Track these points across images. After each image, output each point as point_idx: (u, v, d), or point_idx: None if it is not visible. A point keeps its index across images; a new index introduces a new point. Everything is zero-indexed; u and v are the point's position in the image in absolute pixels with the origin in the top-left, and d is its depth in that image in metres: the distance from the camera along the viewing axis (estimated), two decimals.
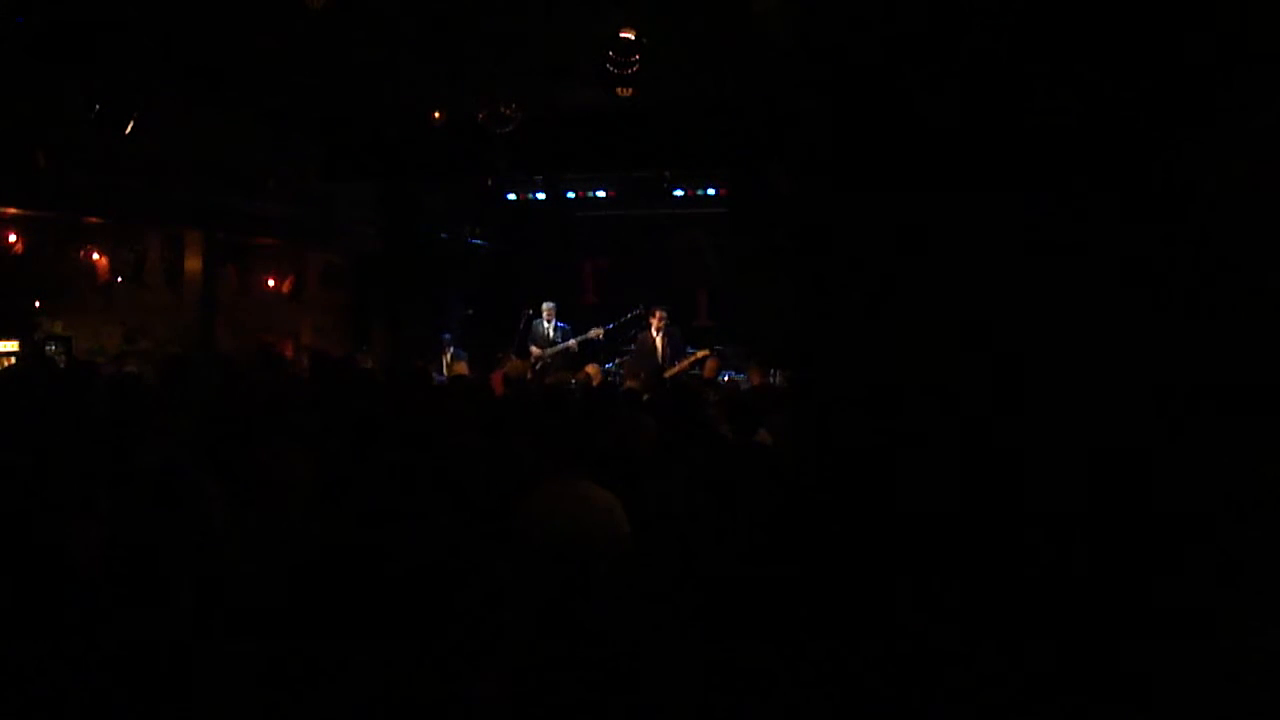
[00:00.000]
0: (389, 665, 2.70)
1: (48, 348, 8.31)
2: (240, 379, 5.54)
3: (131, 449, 3.43)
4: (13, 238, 8.41)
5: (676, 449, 4.00)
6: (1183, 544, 1.29)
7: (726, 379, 8.49)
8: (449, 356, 10.04)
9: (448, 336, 10.48)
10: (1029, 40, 1.37)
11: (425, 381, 6.10)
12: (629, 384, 6.95)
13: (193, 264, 9.93)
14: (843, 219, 1.50)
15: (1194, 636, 1.28)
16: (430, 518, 3.29)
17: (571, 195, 11.96)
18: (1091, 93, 1.34)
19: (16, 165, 7.50)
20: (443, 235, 11.88)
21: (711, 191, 11.32)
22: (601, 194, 11.73)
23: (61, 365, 7.16)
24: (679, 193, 11.22)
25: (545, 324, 10.28)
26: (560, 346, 10.09)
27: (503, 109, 7.42)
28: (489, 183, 11.72)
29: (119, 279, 9.47)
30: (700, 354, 8.81)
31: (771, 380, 6.94)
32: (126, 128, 7.10)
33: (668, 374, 8.24)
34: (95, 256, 9.31)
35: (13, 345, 8.07)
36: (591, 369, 7.94)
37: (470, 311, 12.35)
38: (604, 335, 10.21)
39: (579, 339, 10.14)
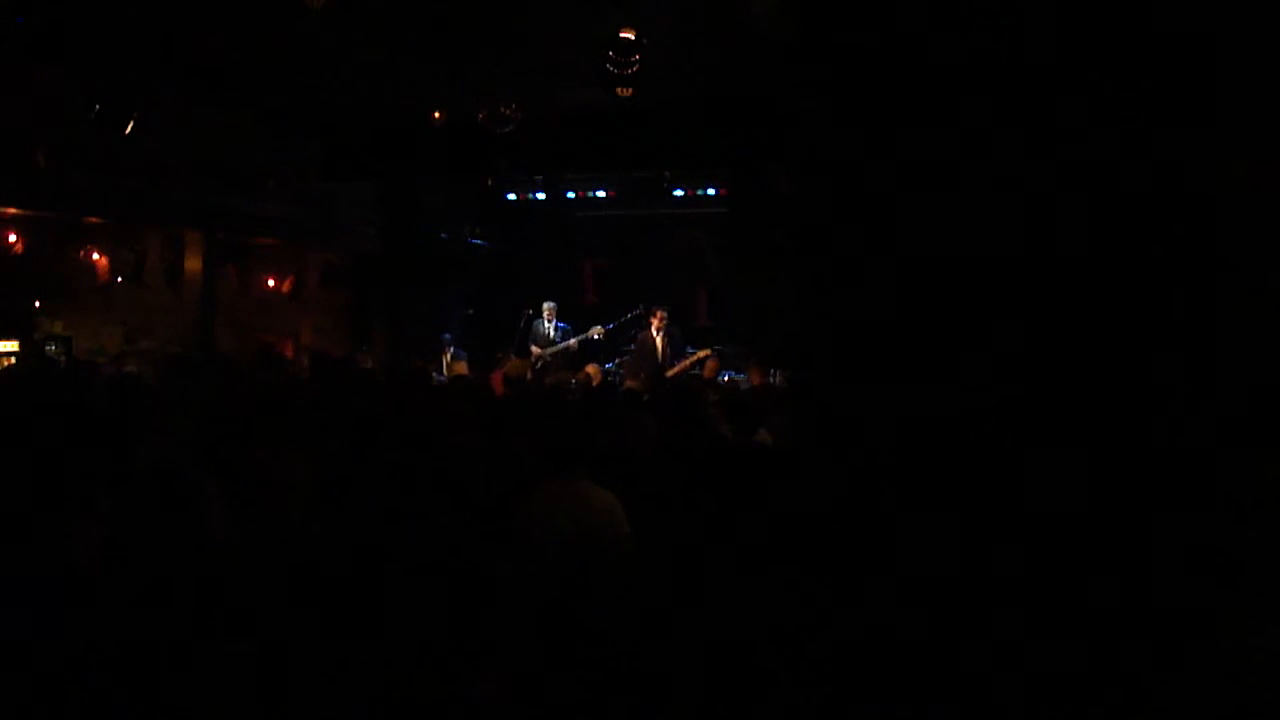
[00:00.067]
0: (389, 665, 2.70)
1: (48, 348, 8.32)
2: (240, 379, 5.55)
3: (131, 449, 3.43)
4: (13, 238, 8.41)
5: (676, 449, 4.00)
6: (1183, 545, 1.29)
7: (726, 379, 8.49)
8: (449, 356, 10.05)
9: (448, 336, 10.48)
10: (1030, 40, 1.37)
11: (425, 381, 6.10)
12: (629, 384, 6.95)
13: (193, 264, 9.93)
14: (843, 219, 1.50)
15: (1194, 636, 1.28)
16: (430, 518, 3.29)
17: (571, 195, 11.96)
18: (1095, 94, 1.34)
19: (16, 165, 7.50)
20: (443, 235, 11.88)
21: (711, 191, 11.32)
22: (601, 194, 11.73)
23: (61, 365, 7.16)
24: (679, 193, 11.22)
25: (546, 324, 10.28)
26: (560, 346, 10.09)
27: (503, 109, 7.42)
28: (489, 183, 11.72)
29: (119, 279, 9.48)
30: (701, 354, 8.80)
31: (771, 380, 6.94)
32: (126, 128, 7.10)
33: (668, 374, 8.24)
34: (95, 256, 9.32)
35: (13, 345, 8.07)
36: (591, 369, 7.94)
37: (470, 311, 12.35)
38: (604, 335, 10.20)
39: (579, 338, 10.15)
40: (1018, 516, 1.37)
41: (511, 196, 12.38)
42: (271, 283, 11.19)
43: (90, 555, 2.82)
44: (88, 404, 4.27)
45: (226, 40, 6.93)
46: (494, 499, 3.45)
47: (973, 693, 1.38)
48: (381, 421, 4.07)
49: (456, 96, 7.91)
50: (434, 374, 8.22)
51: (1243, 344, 1.27)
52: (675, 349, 9.28)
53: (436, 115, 8.29)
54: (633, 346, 9.70)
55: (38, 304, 8.64)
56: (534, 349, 10.10)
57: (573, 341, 10.11)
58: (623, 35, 6.06)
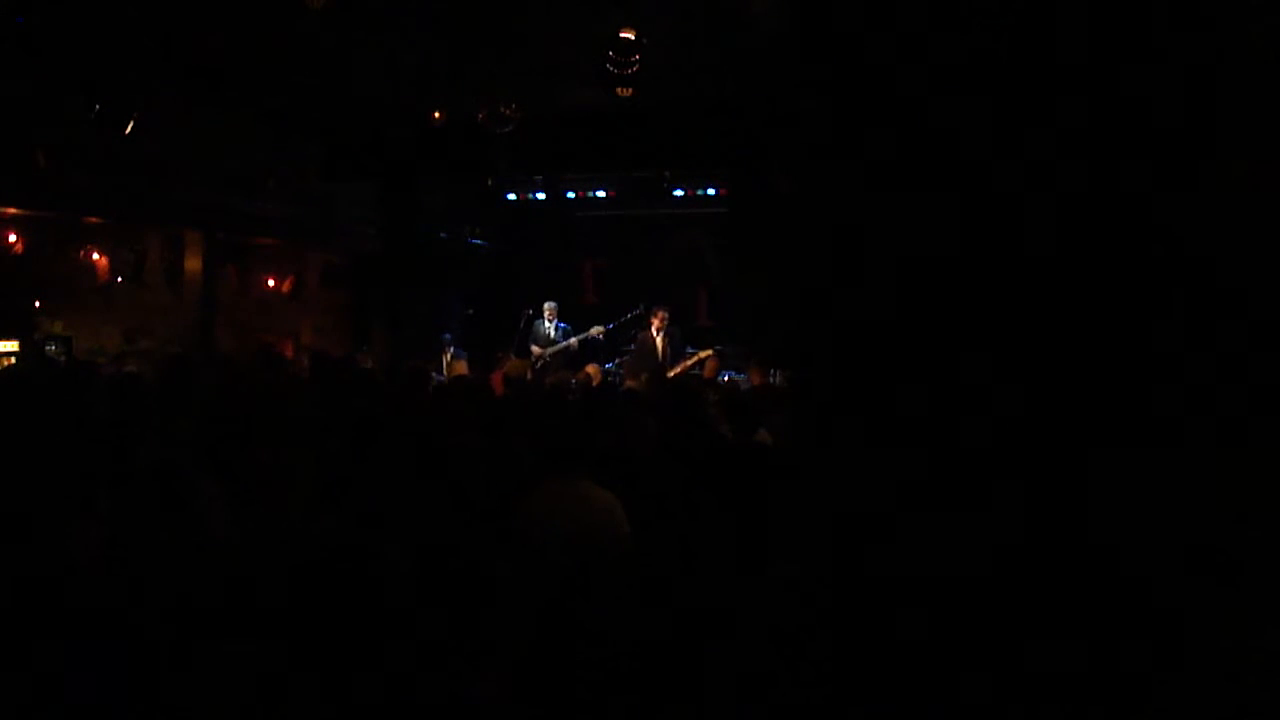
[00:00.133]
0: (389, 665, 2.70)
1: (48, 348, 8.32)
2: (240, 379, 5.54)
3: (131, 449, 3.43)
4: (13, 238, 8.41)
5: (676, 449, 4.00)
6: (1183, 544, 1.29)
7: (726, 379, 8.49)
8: (449, 356, 10.05)
9: (448, 336, 10.48)
10: (1031, 40, 1.37)
11: (425, 381, 6.10)
12: (629, 384, 6.95)
13: (193, 264, 9.94)
14: (843, 219, 1.50)
15: (1194, 636, 1.28)
16: (430, 518, 3.29)
17: (571, 195, 11.96)
18: (1095, 91, 1.34)
19: (16, 165, 7.50)
20: (443, 235, 11.88)
21: (711, 191, 11.32)
22: (601, 194, 11.73)
23: (61, 365, 7.16)
24: (679, 193, 11.22)
25: (546, 324, 10.29)
26: (560, 345, 10.09)
27: (503, 109, 7.42)
28: (489, 183, 11.72)
29: (119, 279, 9.48)
30: (702, 354, 8.81)
31: (771, 380, 6.94)
32: (126, 128, 7.10)
33: (670, 374, 8.24)
34: (95, 256, 9.32)
35: (13, 345, 8.08)
36: (591, 369, 7.94)
37: (470, 311, 12.35)
38: (604, 334, 10.21)
39: (579, 338, 10.15)
40: (1018, 516, 1.37)
41: (511, 196, 12.38)
42: (271, 283, 11.19)
43: (90, 555, 2.82)
44: (88, 404, 4.27)
45: (226, 40, 6.93)
46: (494, 499, 3.45)
47: (973, 693, 1.39)
48: (381, 421, 4.07)
49: (456, 96, 7.91)
50: (434, 374, 8.21)
51: (1242, 344, 1.27)
52: (675, 349, 9.28)
53: (436, 115, 8.29)
54: (633, 346, 9.71)
55: (38, 304, 8.64)
56: (534, 349, 10.11)
57: (573, 341, 10.11)
58: (623, 35, 6.06)
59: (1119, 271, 1.33)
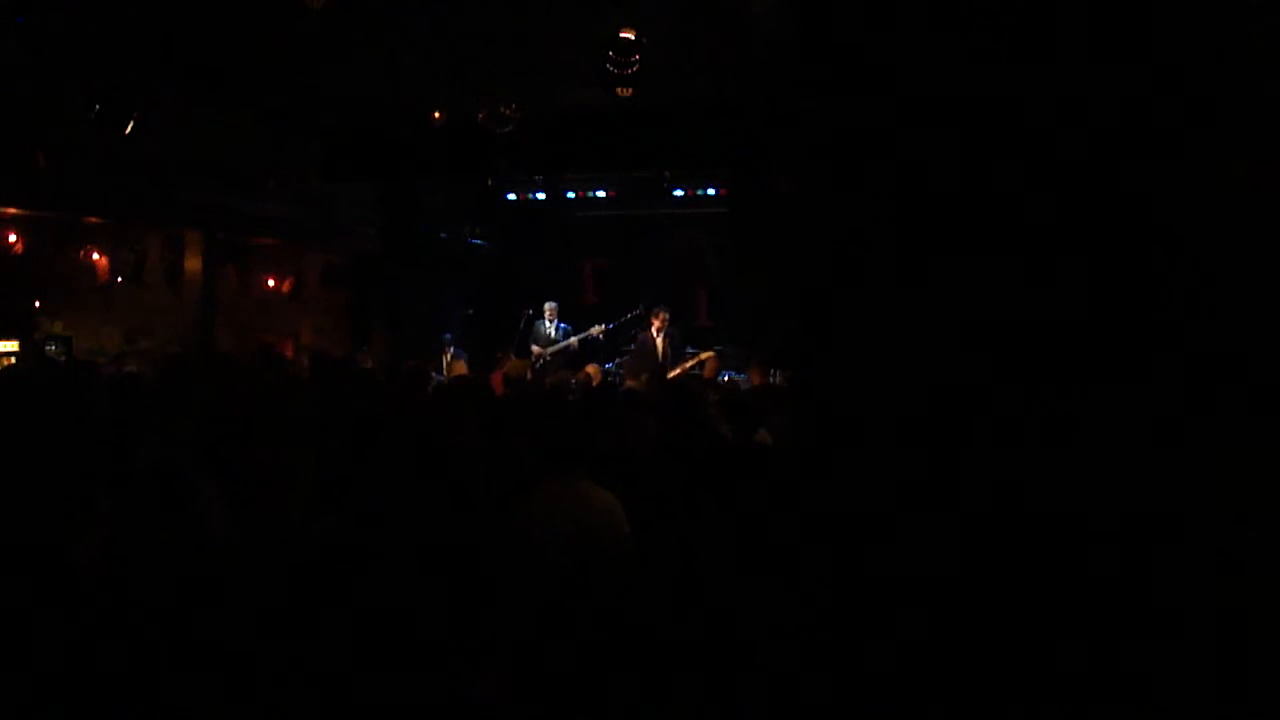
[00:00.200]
0: (389, 665, 2.70)
1: (48, 348, 8.31)
2: (240, 379, 5.54)
3: (131, 449, 3.43)
4: (13, 238, 8.41)
5: (676, 449, 4.00)
6: (1184, 545, 1.29)
7: (726, 379, 8.49)
8: (449, 356, 10.05)
9: (448, 336, 10.48)
10: (1031, 40, 1.37)
11: (425, 381, 6.10)
12: (629, 384, 6.95)
13: (193, 264, 9.94)
14: (843, 218, 1.50)
15: (1194, 636, 1.28)
16: (430, 518, 3.29)
17: (571, 195, 11.96)
18: (1095, 92, 1.34)
19: (16, 165, 7.50)
20: (443, 235, 11.88)
21: (711, 191, 11.32)
22: (601, 194, 11.73)
23: (61, 365, 7.15)
24: (679, 193, 11.22)
25: (547, 324, 10.29)
26: (561, 345, 10.10)
27: (503, 109, 7.42)
28: (489, 183, 11.72)
29: (119, 279, 9.48)
30: (703, 356, 8.82)
31: (771, 380, 6.94)
32: (126, 128, 7.10)
33: (670, 375, 8.25)
34: (95, 256, 9.32)
35: (13, 345, 8.07)
36: (591, 369, 7.94)
37: (470, 311, 12.35)
38: (604, 334, 10.22)
39: (580, 337, 10.16)
40: (1018, 516, 1.37)
41: (511, 196, 12.38)
42: (271, 283, 11.19)
43: (90, 555, 2.82)
44: (88, 404, 4.26)
45: (226, 40, 6.93)
46: (494, 499, 3.45)
47: (973, 693, 1.39)
48: (381, 421, 4.07)
49: (456, 96, 7.91)
50: (434, 374, 8.21)
51: (1241, 343, 1.27)
52: (675, 350, 9.28)
53: (436, 115, 8.29)
54: (632, 346, 9.71)
55: (38, 304, 8.64)
56: (534, 349, 10.11)
57: (573, 341, 10.12)
58: (623, 35, 6.06)
59: (1120, 271, 1.33)
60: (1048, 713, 1.34)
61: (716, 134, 8.53)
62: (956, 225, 1.41)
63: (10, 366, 7.80)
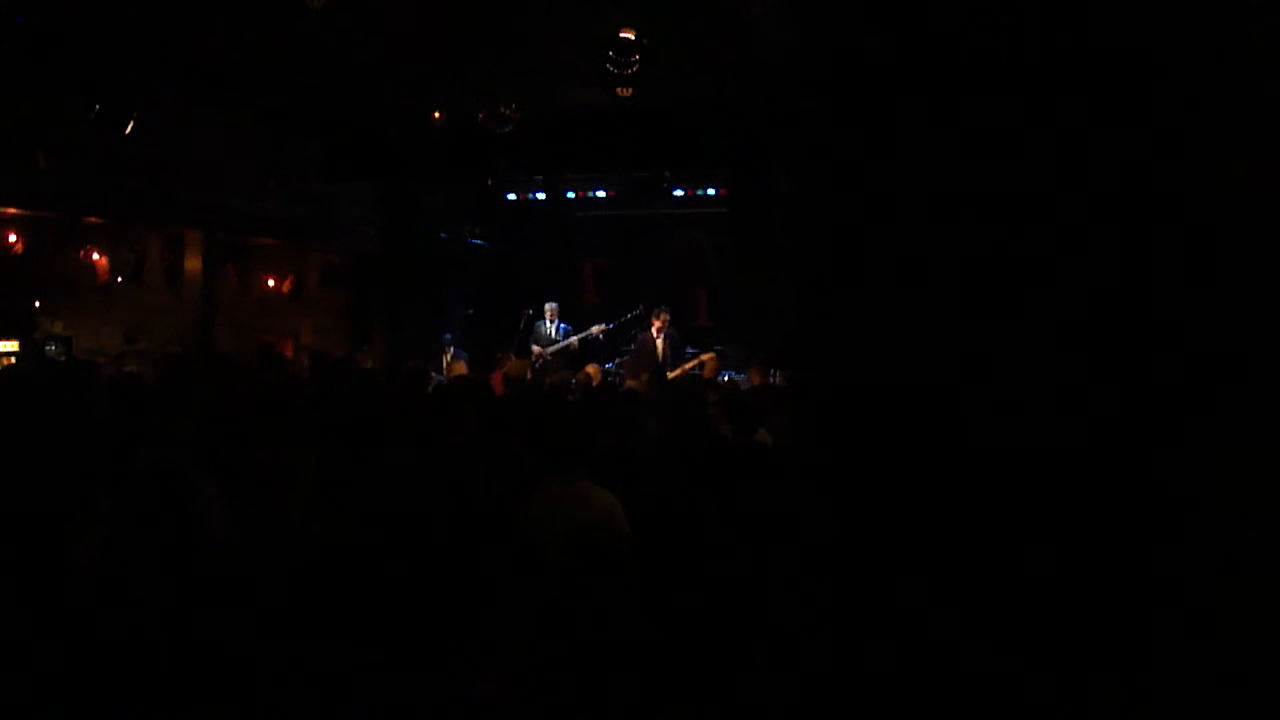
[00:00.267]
0: (389, 665, 2.70)
1: (48, 348, 8.31)
2: (240, 379, 5.54)
3: (131, 449, 3.43)
4: (13, 238, 8.41)
5: (676, 449, 4.00)
6: (1182, 541, 1.29)
7: (726, 379, 8.49)
8: (449, 356, 10.05)
9: (448, 336, 10.48)
10: (1031, 41, 1.37)
11: (425, 381, 6.10)
12: (629, 384, 6.95)
13: (193, 264, 9.94)
14: (843, 217, 1.50)
15: (1194, 636, 1.28)
16: (430, 518, 3.29)
17: (571, 195, 11.96)
18: (1094, 90, 1.34)
19: (16, 165, 7.50)
20: (443, 235, 11.88)
21: (711, 191, 11.32)
22: (601, 194, 11.73)
23: (61, 365, 7.15)
24: (679, 193, 11.22)
25: (548, 324, 10.30)
26: (561, 345, 10.10)
27: (503, 109, 7.42)
28: (489, 183, 11.72)
29: (119, 279, 9.48)
30: (704, 357, 8.83)
31: (771, 380, 6.94)
32: (126, 128, 7.10)
33: (670, 375, 8.25)
34: (95, 256, 9.32)
35: (13, 345, 8.07)
36: (591, 369, 7.95)
37: (470, 311, 12.35)
38: (604, 333, 10.22)
39: (580, 337, 10.16)
40: (1018, 516, 1.37)
41: (511, 196, 12.38)
42: (271, 283, 11.19)
43: (90, 555, 2.82)
44: (88, 404, 4.26)
45: (226, 40, 6.93)
46: (494, 499, 3.45)
47: (972, 692, 1.39)
48: (381, 421, 4.07)
49: (456, 96, 7.91)
50: (434, 374, 8.21)
51: (1241, 343, 1.27)
52: (675, 351, 9.29)
53: (436, 115, 8.29)
54: (633, 347, 9.71)
55: (38, 304, 8.64)
56: (535, 348, 10.12)
57: (573, 340, 10.12)
58: (623, 35, 6.06)
59: (1120, 271, 1.33)
60: (1048, 712, 1.34)
61: (716, 134, 8.53)
62: (956, 225, 1.41)
63: (10, 366, 7.80)
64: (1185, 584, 1.29)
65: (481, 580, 3.12)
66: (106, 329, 9.25)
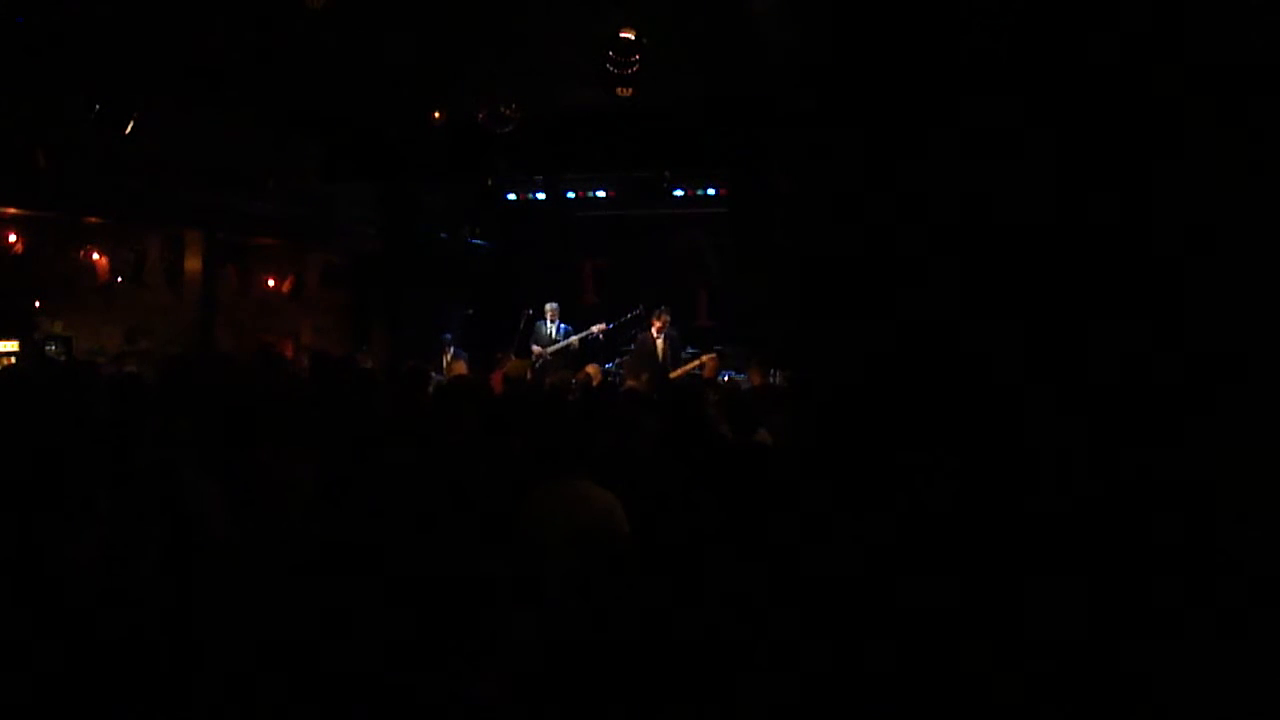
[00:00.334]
0: (389, 665, 2.70)
1: (48, 348, 8.31)
2: (240, 379, 5.54)
3: (131, 449, 3.43)
4: (13, 238, 8.41)
5: (676, 449, 4.00)
6: (1182, 541, 1.29)
7: (726, 379, 8.49)
8: (449, 356, 10.04)
9: (448, 336, 10.48)
10: (1030, 40, 1.37)
11: (425, 381, 6.10)
12: (629, 384, 6.95)
13: (193, 264, 9.94)
14: (843, 219, 1.50)
15: (1194, 636, 1.28)
16: (430, 518, 3.29)
17: (571, 195, 11.95)
18: (1095, 93, 1.34)
19: (16, 165, 7.50)
20: (443, 235, 11.87)
21: (711, 191, 11.31)
22: (601, 194, 11.72)
23: (61, 365, 7.15)
24: (679, 193, 11.21)
25: (549, 324, 10.30)
26: (561, 344, 10.11)
27: (503, 109, 7.42)
28: (489, 183, 11.72)
29: (119, 279, 9.48)
30: (704, 358, 8.84)
31: (771, 380, 6.94)
32: (126, 128, 7.10)
33: (672, 376, 8.26)
34: (95, 256, 9.32)
35: (13, 345, 8.07)
36: (591, 369, 7.95)
37: (470, 311, 12.34)
38: (605, 333, 10.22)
39: (580, 336, 10.16)
40: (1018, 516, 1.37)
41: (511, 196, 12.37)
42: (271, 283, 11.19)
43: (90, 555, 2.82)
44: (88, 404, 4.27)
45: (226, 40, 6.93)
46: (494, 499, 3.45)
47: (972, 692, 1.39)
48: (381, 421, 4.07)
49: (456, 96, 7.91)
50: (434, 374, 8.21)
51: (1241, 343, 1.27)
52: (675, 352, 9.30)
53: (436, 115, 8.29)
54: (633, 347, 9.72)
55: (38, 304, 8.64)
56: (535, 349, 10.12)
57: (573, 340, 10.12)
58: (623, 35, 6.06)
59: (1122, 270, 1.33)
60: (1048, 712, 1.34)
61: (716, 134, 8.52)
62: (956, 227, 1.41)
63: (10, 366, 7.80)
64: (1186, 583, 1.29)
65: (481, 580, 3.12)
66: (106, 329, 9.25)
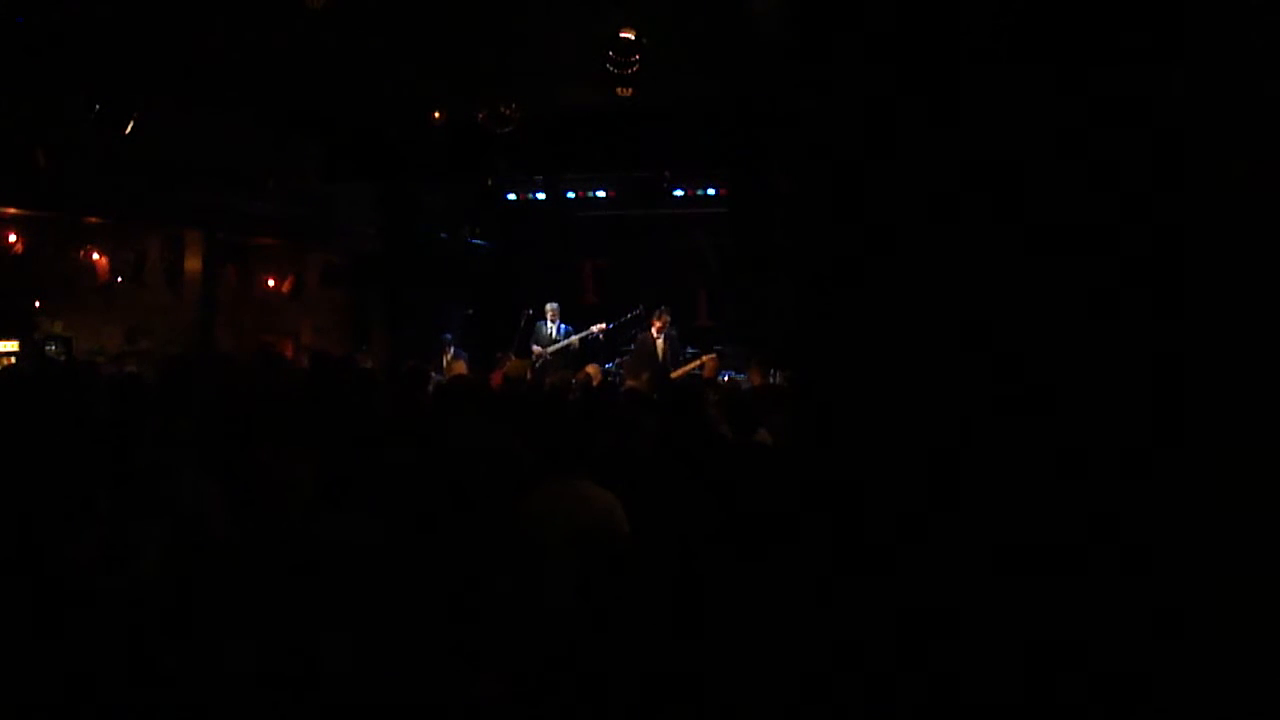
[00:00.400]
0: (389, 665, 2.70)
1: (48, 348, 8.32)
2: (240, 379, 5.54)
3: (131, 449, 3.43)
4: (13, 238, 8.42)
5: (676, 449, 4.00)
6: (1182, 543, 1.29)
7: (726, 379, 8.49)
8: (449, 356, 10.04)
9: (448, 336, 10.48)
10: (1029, 40, 1.37)
11: (425, 381, 6.10)
12: (629, 384, 6.95)
13: (193, 264, 9.95)
14: (842, 219, 1.50)
15: (1194, 637, 1.28)
16: (430, 518, 3.29)
17: (571, 195, 11.95)
18: (1094, 93, 1.34)
19: (16, 165, 7.50)
20: (443, 235, 11.87)
21: (711, 191, 11.31)
22: (601, 194, 11.71)
23: (61, 365, 7.15)
24: (679, 193, 11.21)
25: (549, 324, 10.30)
26: (562, 344, 10.11)
27: (503, 109, 7.42)
28: (489, 183, 11.72)
29: (119, 279, 9.48)
30: (705, 359, 8.84)
31: (771, 380, 6.94)
32: (126, 128, 7.10)
33: (672, 376, 8.26)
34: (95, 256, 9.32)
35: (13, 345, 8.08)
36: (591, 369, 7.95)
37: (470, 311, 12.34)
38: (605, 332, 10.22)
39: (580, 336, 10.17)
40: (1017, 516, 1.37)
41: (511, 196, 12.37)
42: (271, 283, 11.19)
43: (89, 555, 2.82)
44: (88, 404, 4.27)
45: (226, 40, 6.92)
46: (494, 499, 3.45)
47: (972, 691, 1.38)
48: (381, 421, 4.07)
49: (456, 96, 7.91)
50: (434, 374, 8.21)
51: (1242, 344, 1.27)
52: (675, 352, 9.30)
53: (436, 115, 8.29)
54: (633, 347, 9.72)
55: (38, 304, 8.64)
56: (535, 349, 10.12)
57: (573, 340, 10.12)
58: (623, 35, 6.06)
59: (1120, 272, 1.33)
60: (1048, 712, 1.34)
61: (716, 134, 8.53)
62: (956, 225, 1.41)
63: (10, 366, 7.80)
64: (1186, 584, 1.29)
65: (481, 580, 3.12)
66: (106, 329, 9.26)
